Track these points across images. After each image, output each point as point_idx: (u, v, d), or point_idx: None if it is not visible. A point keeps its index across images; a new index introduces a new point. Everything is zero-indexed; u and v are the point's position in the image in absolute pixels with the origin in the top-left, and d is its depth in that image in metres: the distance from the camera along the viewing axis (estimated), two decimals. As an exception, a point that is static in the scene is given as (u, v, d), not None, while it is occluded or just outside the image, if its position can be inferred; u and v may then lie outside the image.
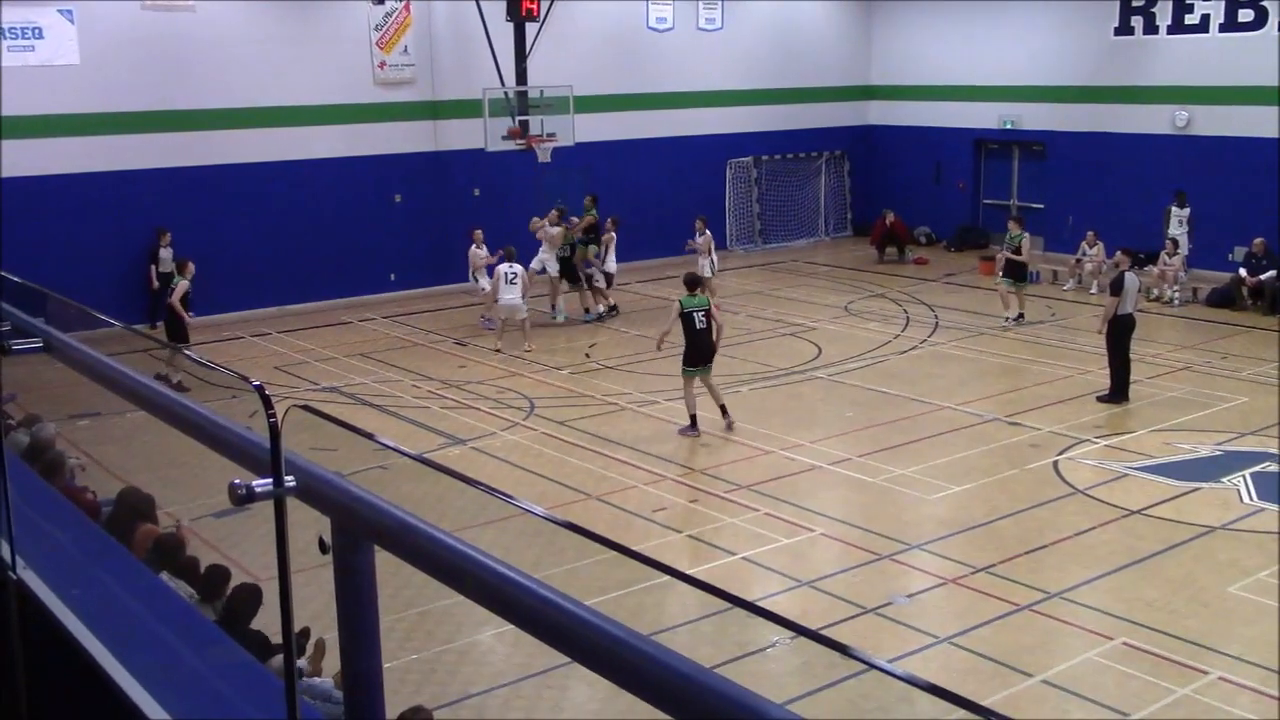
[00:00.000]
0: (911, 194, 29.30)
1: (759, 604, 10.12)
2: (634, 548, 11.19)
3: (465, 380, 17.59)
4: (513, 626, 2.22)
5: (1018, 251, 20.67)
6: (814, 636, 9.29)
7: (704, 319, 14.73)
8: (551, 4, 23.50)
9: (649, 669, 1.93)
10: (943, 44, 28.90)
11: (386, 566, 2.53)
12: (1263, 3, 23.57)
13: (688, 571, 10.75)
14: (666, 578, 10.56)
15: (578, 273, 21.79)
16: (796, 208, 30.08)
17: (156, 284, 19.84)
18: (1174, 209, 23.90)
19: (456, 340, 20.16)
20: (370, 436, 14.04)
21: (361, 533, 2.41)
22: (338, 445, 12.78)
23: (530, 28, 23.51)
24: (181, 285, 17.28)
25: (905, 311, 21.99)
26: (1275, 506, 12.16)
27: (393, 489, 12.41)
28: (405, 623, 9.36)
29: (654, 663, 1.93)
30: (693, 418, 14.79)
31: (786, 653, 9.31)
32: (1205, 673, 8.87)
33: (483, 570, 2.19)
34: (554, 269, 21.42)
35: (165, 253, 20.17)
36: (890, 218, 27.73)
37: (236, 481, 2.39)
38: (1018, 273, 20.83)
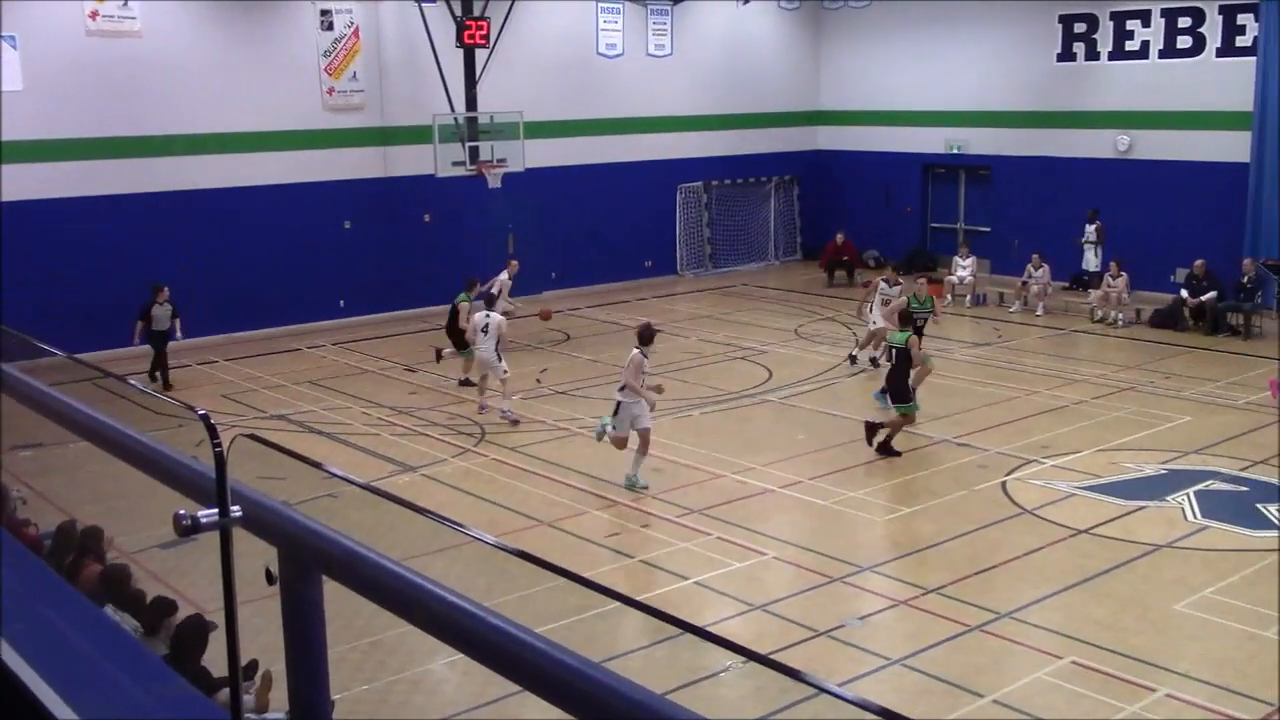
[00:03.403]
0: (861, 218, 29.56)
1: (712, 628, 10.11)
2: (586, 574, 11.16)
3: (416, 407, 17.49)
4: (464, 656, 2.21)
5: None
6: (765, 661, 9.31)
7: (896, 356, 15.01)
8: (501, 30, 23.55)
9: (600, 696, 1.93)
10: (890, 70, 29.25)
11: (337, 596, 2.51)
12: (1200, 29, 24.07)
13: (641, 597, 10.74)
14: (619, 604, 10.51)
15: None
16: (747, 232, 30.26)
17: (139, 342, 18.53)
18: (1087, 227, 24.51)
19: (406, 366, 20.05)
20: (319, 465, 13.96)
21: (309, 562, 2.40)
22: (286, 474, 12.71)
23: (480, 54, 23.55)
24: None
25: (854, 334, 22.10)
26: (1219, 524, 12.34)
27: (342, 518, 12.40)
28: (357, 653, 9.26)
29: (605, 690, 1.93)
30: (867, 424, 15.18)
31: (739, 677, 9.31)
32: (1153, 690, 8.95)
33: (432, 599, 2.18)
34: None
35: (160, 310, 18.55)
36: (840, 241, 27.97)
37: (181, 512, 2.37)
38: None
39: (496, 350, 16.54)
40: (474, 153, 23.29)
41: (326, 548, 2.35)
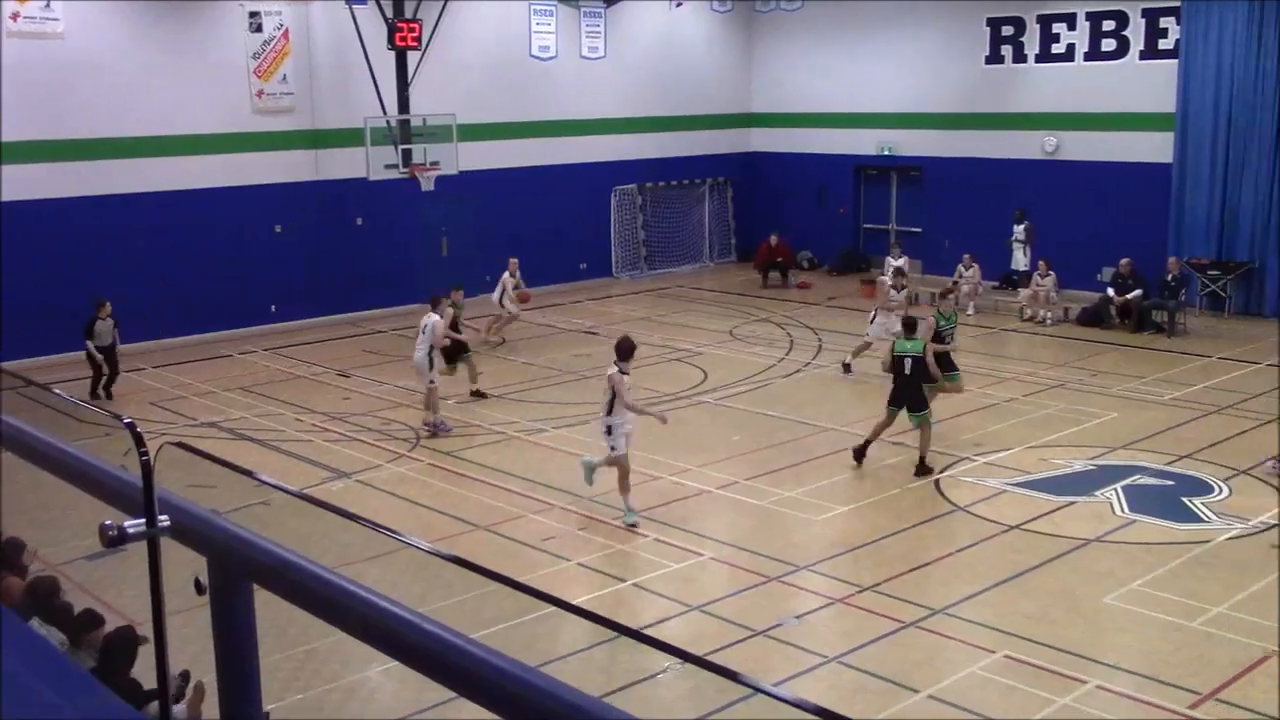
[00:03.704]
0: (794, 219, 29.77)
1: (650, 630, 10.12)
2: (524, 578, 11.12)
3: (350, 412, 17.33)
4: (400, 663, 2.20)
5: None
6: (701, 663, 9.34)
7: (912, 365, 14.10)
8: (434, 32, 23.42)
9: (536, 700, 1.93)
10: (822, 72, 29.49)
11: (270, 605, 2.48)
12: (1124, 33, 24.54)
13: (578, 600, 10.72)
14: (556, 608, 10.49)
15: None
16: (681, 234, 30.35)
17: (99, 358, 18.03)
18: (1016, 227, 24.91)
19: (340, 371, 19.86)
20: (250, 473, 13.76)
21: (239, 571, 2.37)
22: (216, 482, 12.53)
23: (412, 56, 23.40)
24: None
25: (789, 335, 22.28)
26: (1146, 518, 12.57)
27: (275, 526, 12.25)
28: (291, 662, 9.16)
29: (541, 694, 1.93)
30: (866, 443, 14.42)
31: (678, 678, 9.33)
32: (1084, 682, 9.10)
33: (365, 606, 2.16)
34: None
35: (103, 325, 18.11)
36: (774, 242, 28.16)
37: (108, 523, 2.33)
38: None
39: (430, 357, 16.00)
40: (407, 155, 23.13)
41: (256, 556, 2.32)
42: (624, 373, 12.47)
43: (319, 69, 23.55)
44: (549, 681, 1.94)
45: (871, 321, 19.00)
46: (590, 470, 12.86)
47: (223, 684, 2.41)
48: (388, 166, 22.91)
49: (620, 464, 12.59)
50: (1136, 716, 8.62)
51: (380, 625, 2.13)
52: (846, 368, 19.06)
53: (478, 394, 17.75)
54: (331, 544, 11.52)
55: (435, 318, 16.12)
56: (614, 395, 12.39)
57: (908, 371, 14.07)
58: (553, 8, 27.09)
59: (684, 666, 9.35)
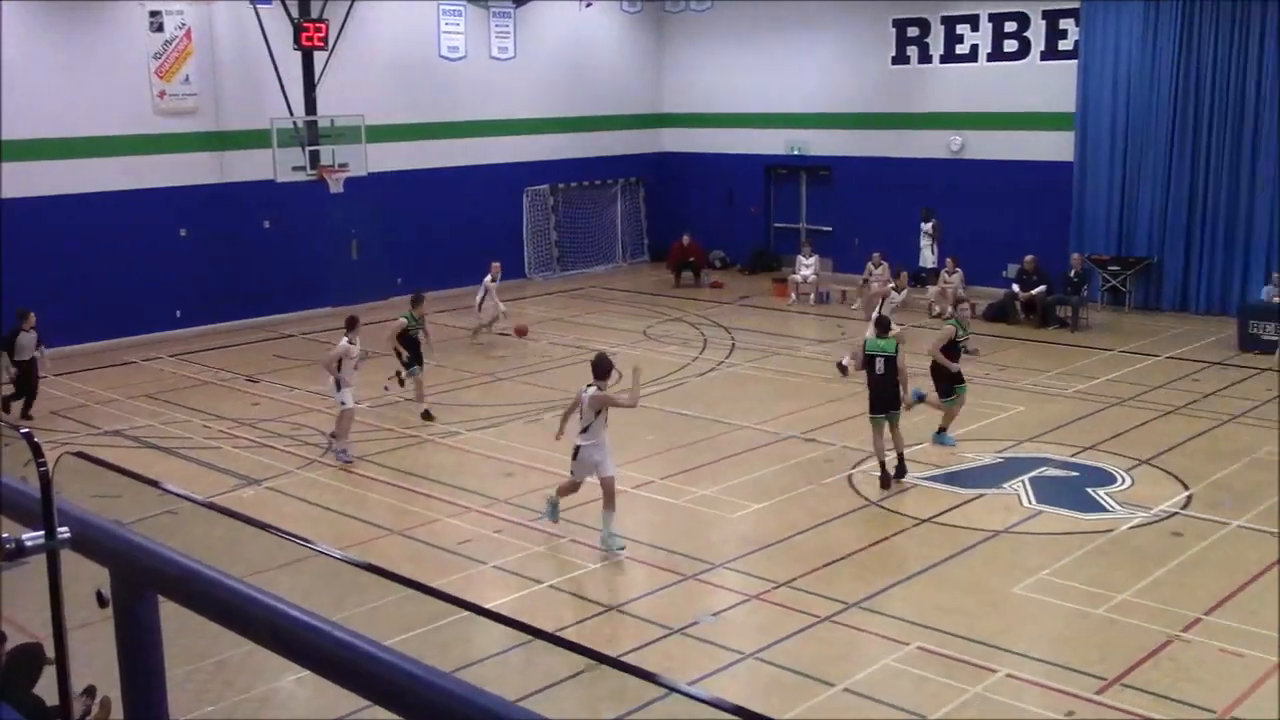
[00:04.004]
0: (706, 219, 29.94)
1: (568, 630, 10.10)
2: (439, 581, 11.05)
3: (259, 418, 17.06)
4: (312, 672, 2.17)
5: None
6: (616, 664, 9.35)
7: (884, 364, 13.74)
8: (340, 33, 23.15)
9: (450, 706, 1.91)
10: (732, 73, 29.68)
11: (179, 617, 2.43)
12: (1025, 34, 25.05)
13: (494, 603, 10.66)
14: (472, 612, 10.43)
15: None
16: (594, 234, 30.35)
17: (14, 372, 17.09)
18: (923, 225, 25.34)
19: (248, 377, 19.53)
20: (155, 483, 13.48)
21: (142, 582, 2.31)
22: (120, 492, 12.26)
23: (319, 56, 23.10)
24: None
25: (702, 334, 22.40)
26: (1052, 509, 12.84)
27: (183, 535, 12.01)
28: (202, 673, 8.99)
29: (454, 699, 1.91)
30: (881, 465, 13.73)
31: (598, 678, 9.32)
32: (994, 671, 9.26)
33: (273, 615, 2.13)
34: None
35: (26, 338, 17.09)
36: (686, 242, 28.28)
37: (4, 536, 2.26)
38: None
39: (337, 380, 14.88)
40: (314, 157, 22.85)
41: (160, 567, 2.27)
42: (601, 390, 11.85)
43: (223, 69, 23.12)
44: (462, 686, 1.93)
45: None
46: (552, 506, 12.30)
47: (128, 698, 2.36)
48: (295, 169, 22.62)
49: (573, 483, 12.16)
50: (1045, 703, 8.80)
51: (289, 634, 2.10)
52: (842, 369, 18.44)
53: (427, 415, 16.59)
54: (241, 552, 11.34)
55: (343, 342, 14.96)
56: (596, 416, 11.74)
57: (880, 371, 13.71)
58: (461, 8, 26.93)
59: (602, 667, 9.36)
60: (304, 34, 22.47)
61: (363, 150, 23.35)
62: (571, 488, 12.20)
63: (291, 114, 22.79)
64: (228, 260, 23.42)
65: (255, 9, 22.38)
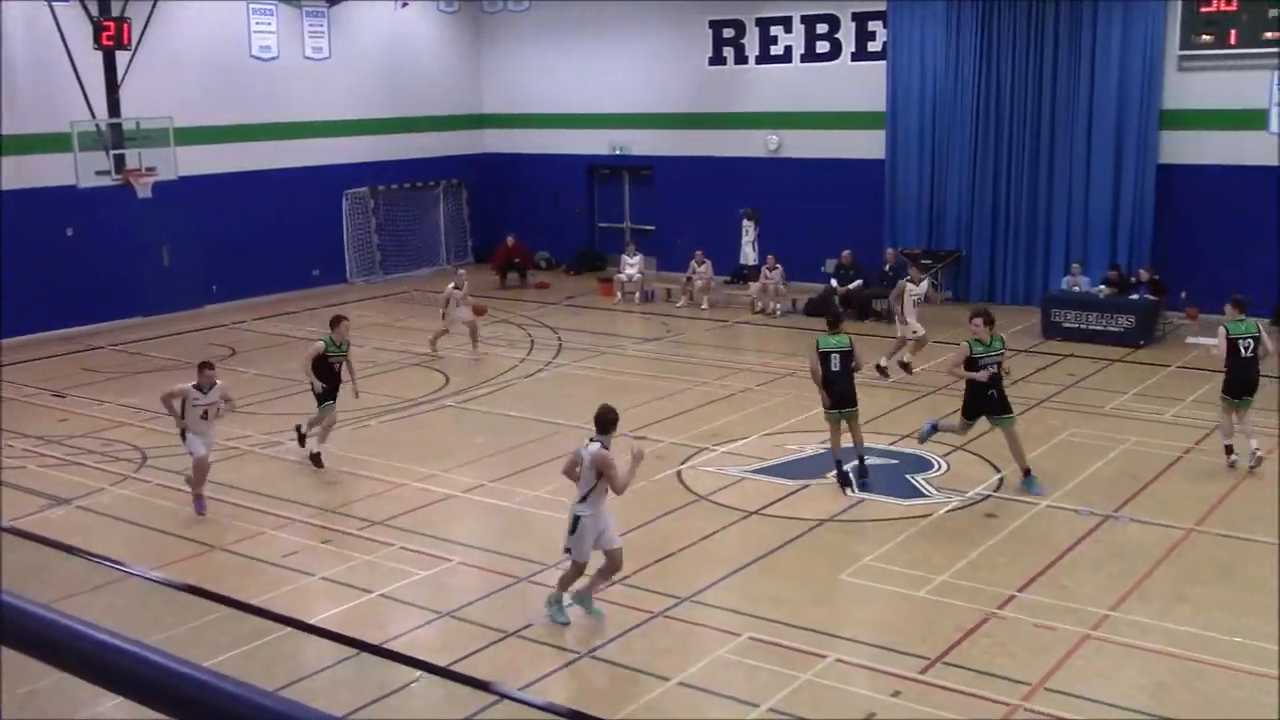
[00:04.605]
0: (530, 219, 29.87)
1: (400, 640, 9.93)
2: (266, 596, 10.75)
3: (67, 435, 16.29)
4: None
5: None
6: (446, 674, 9.25)
7: (840, 360, 13.37)
8: (144, 32, 22.28)
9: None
10: (552, 73, 29.67)
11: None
12: (836, 35, 25.74)
13: (326, 614, 10.42)
14: (291, 627, 10.17)
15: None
16: (417, 237, 29.97)
17: None
18: (746, 223, 25.86)
19: (55, 392, 18.63)
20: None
21: (-66, 614, 2.17)
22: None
23: (122, 56, 22.18)
24: None
25: (529, 335, 22.34)
26: (874, 496, 13.22)
27: (-15, 561, 11.28)
28: (11, 705, 8.52)
29: (274, 717, 1.85)
30: (838, 464, 13.43)
31: (430, 686, 9.20)
32: (824, 657, 9.48)
33: (79, 640, 2.02)
34: None
35: None
36: (511, 243, 28.16)
37: None
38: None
39: (182, 433, 13.14)
40: (120, 161, 21.96)
41: (-46, 597, 2.13)
42: (605, 448, 10.06)
43: (16, 69, 21.97)
44: (286, 704, 1.87)
45: (904, 322, 18.43)
46: (558, 607, 10.24)
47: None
48: (99, 173, 21.72)
49: (577, 569, 10.25)
50: (874, 686, 9.05)
51: (97, 659, 1.99)
52: (905, 367, 18.32)
53: (315, 459, 14.50)
54: (51, 577, 10.83)
55: (184, 385, 13.12)
56: (598, 480, 9.96)
57: (835, 368, 13.41)
58: (273, 7, 26.23)
59: (434, 677, 9.24)
60: (105, 33, 21.57)
61: (171, 153, 22.54)
62: (575, 575, 10.21)
63: (94, 116, 21.84)
64: (28, 270, 22.23)
65: (50, 7, 21.37)
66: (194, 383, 13.07)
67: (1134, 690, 8.91)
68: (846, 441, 13.66)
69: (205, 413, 13.09)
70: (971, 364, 13.18)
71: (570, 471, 10.31)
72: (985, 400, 13.18)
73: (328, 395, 14.55)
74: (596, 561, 10.30)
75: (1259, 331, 13.80)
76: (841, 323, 14.16)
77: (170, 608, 10.46)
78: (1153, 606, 10.31)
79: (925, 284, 18.80)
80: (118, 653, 2.00)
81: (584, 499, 10.04)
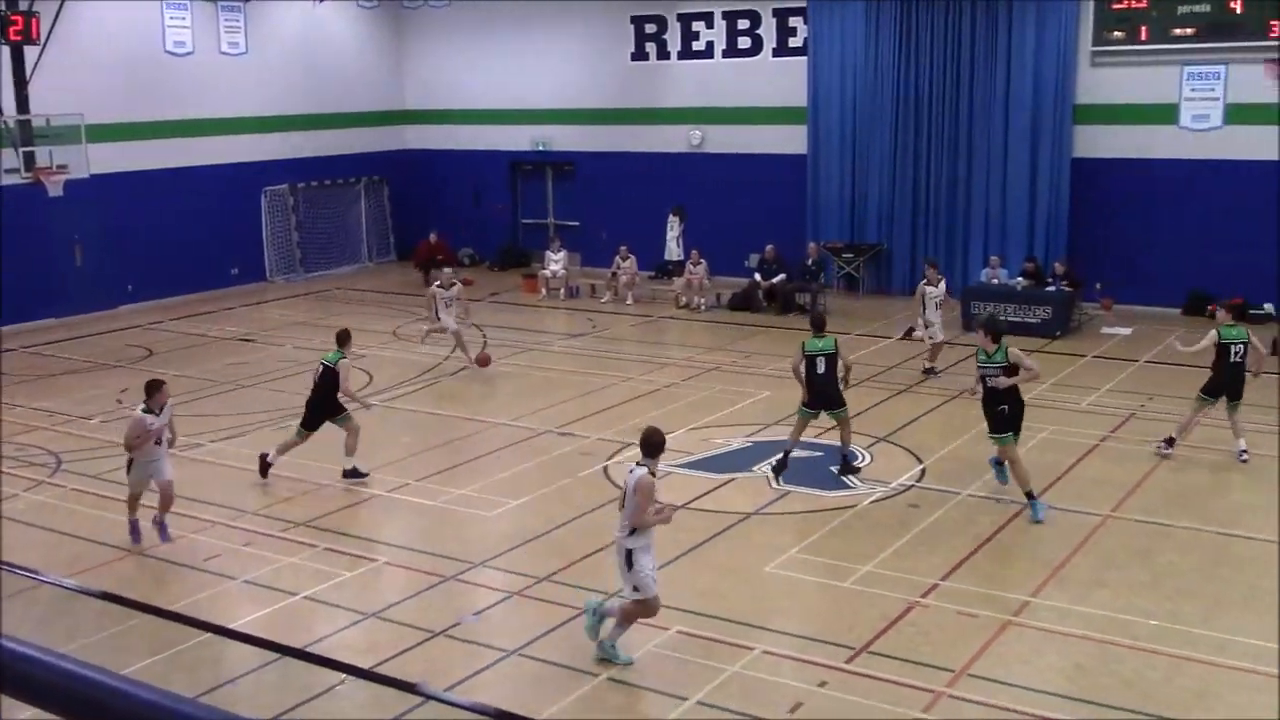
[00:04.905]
0: (453, 216, 29.69)
1: (325, 642, 9.82)
2: (186, 601, 10.58)
3: (-22, 439, 15.88)
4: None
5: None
6: (371, 677, 9.18)
7: (825, 363, 13.29)
8: (54, 26, 21.78)
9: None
10: (473, 69, 29.51)
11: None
12: (758, 31, 25.89)
13: (248, 619, 10.28)
14: (210, 633, 10.02)
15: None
16: (338, 234, 29.64)
17: None
18: (672, 219, 25.95)
19: (-35, 396, 18.15)
20: None
21: None
22: None
23: (30, 51, 21.65)
24: None
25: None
26: (798, 488, 13.33)
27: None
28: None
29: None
30: (785, 454, 13.57)
31: (356, 688, 9.11)
32: (751, 649, 9.54)
33: (-10, 652, 1.98)
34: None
35: None
36: (433, 240, 27.96)
37: None
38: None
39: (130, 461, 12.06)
40: (30, 159, 21.44)
41: None
42: (653, 474, 9.29)
43: (-80, 65, 21.40)
44: (204, 710, 1.84)
45: (926, 326, 18.33)
46: (597, 618, 9.42)
47: None
48: (9, 171, 21.21)
49: (649, 608, 9.34)
50: (801, 676, 9.12)
51: (10, 669, 1.96)
52: (930, 371, 18.25)
53: (264, 463, 13.96)
54: (-37, 585, 10.53)
55: (137, 413, 11.90)
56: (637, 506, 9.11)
57: (820, 370, 13.36)
58: (187, 3, 25.77)
59: (359, 680, 9.15)
60: (12, 27, 21.05)
61: (83, 150, 22.06)
62: (650, 613, 9.41)
63: (1, 113, 21.30)
64: (-65, 271, 21.70)
65: (-45, 0, 20.83)
66: (142, 406, 11.90)
67: (1053, 674, 9.09)
68: (808, 437, 13.68)
69: (160, 440, 11.91)
70: (982, 379, 12.81)
71: (623, 501, 9.38)
72: (996, 415, 12.67)
73: (338, 410, 13.95)
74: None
75: (1249, 337, 14.13)
76: (826, 325, 14.02)
77: (88, 615, 10.25)
78: (1071, 592, 10.52)
79: (943, 284, 18.47)
80: (28, 661, 1.96)
81: (634, 531, 9.20)
